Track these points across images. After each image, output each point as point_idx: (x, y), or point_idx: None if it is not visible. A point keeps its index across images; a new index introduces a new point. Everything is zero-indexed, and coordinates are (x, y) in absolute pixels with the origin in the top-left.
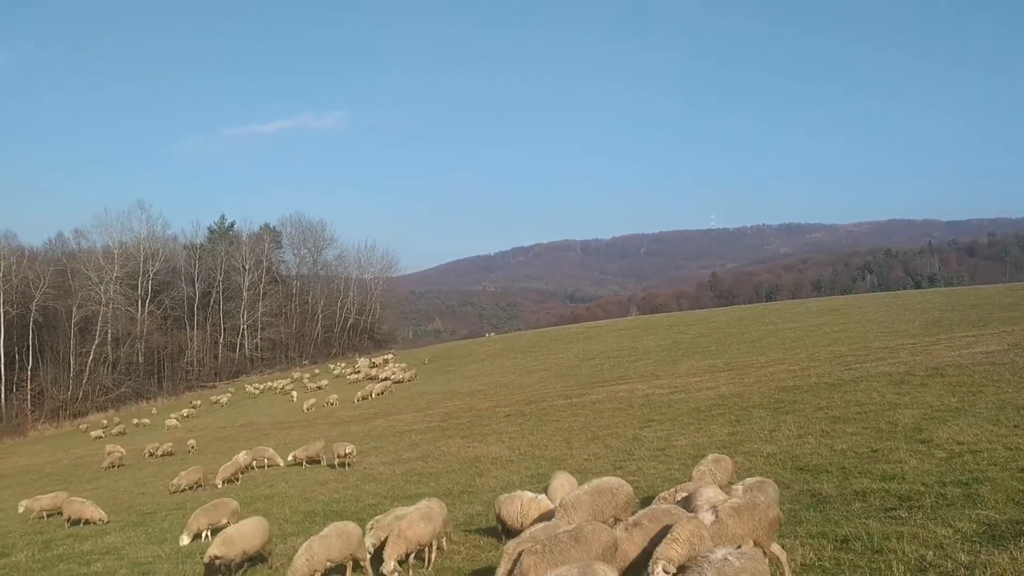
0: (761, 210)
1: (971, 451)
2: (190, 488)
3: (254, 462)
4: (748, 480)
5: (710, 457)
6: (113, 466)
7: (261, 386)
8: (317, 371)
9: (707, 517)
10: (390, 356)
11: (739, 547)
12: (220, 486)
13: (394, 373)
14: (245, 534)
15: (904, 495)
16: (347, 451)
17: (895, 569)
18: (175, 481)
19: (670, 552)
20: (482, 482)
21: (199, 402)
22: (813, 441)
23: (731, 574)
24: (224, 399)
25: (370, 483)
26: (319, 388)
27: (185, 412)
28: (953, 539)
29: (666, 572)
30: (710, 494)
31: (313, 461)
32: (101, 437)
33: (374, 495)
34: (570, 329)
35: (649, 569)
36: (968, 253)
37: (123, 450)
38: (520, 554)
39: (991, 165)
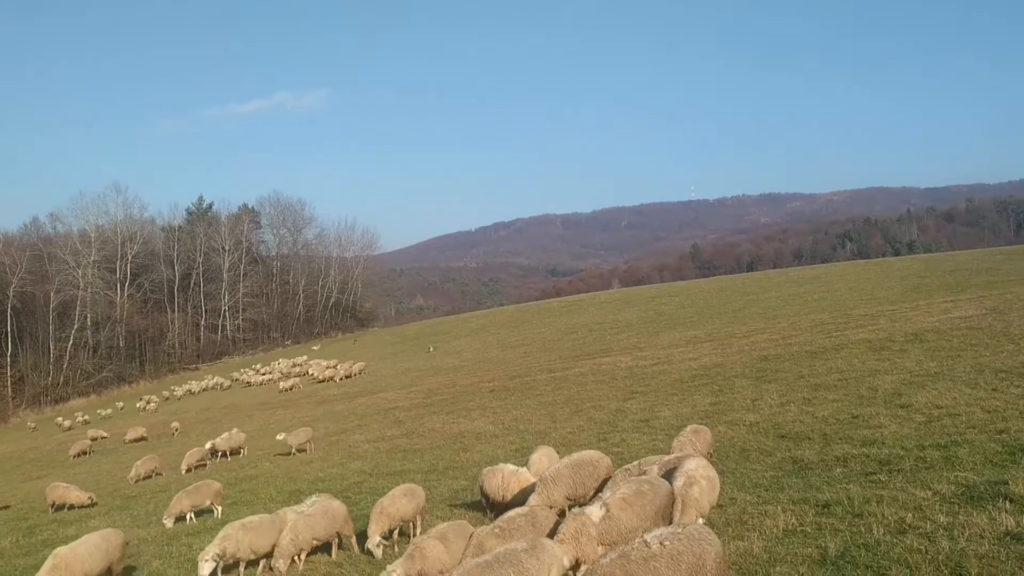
0: (741, 180)
1: (950, 415)
2: (147, 477)
3: (226, 450)
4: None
5: (689, 428)
6: (83, 453)
7: (192, 385)
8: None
9: (596, 512)
10: (313, 352)
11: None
12: (184, 472)
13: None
14: (81, 556)
15: (884, 459)
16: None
17: (875, 532)
18: (131, 473)
19: (562, 547)
20: (467, 457)
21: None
22: (795, 409)
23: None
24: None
25: (355, 461)
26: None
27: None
28: (932, 501)
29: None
30: (691, 466)
31: (301, 450)
32: (71, 429)
33: (359, 473)
34: (552, 303)
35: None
36: (946, 219)
37: (99, 434)
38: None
39: (969, 132)
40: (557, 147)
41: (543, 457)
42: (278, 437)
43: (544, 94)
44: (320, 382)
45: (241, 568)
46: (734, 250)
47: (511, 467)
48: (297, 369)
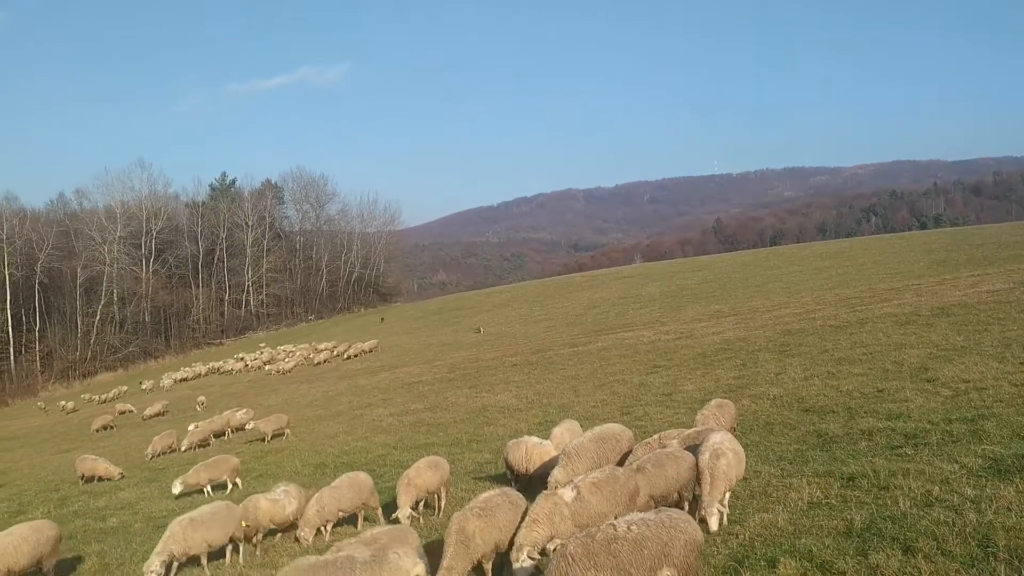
0: (764, 154)
1: (977, 388)
2: (163, 453)
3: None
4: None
5: (713, 402)
6: (105, 428)
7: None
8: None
9: (568, 494)
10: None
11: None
12: (184, 450)
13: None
14: (6, 549)
15: (910, 433)
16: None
17: (901, 504)
18: (148, 450)
19: (532, 535)
20: (490, 431)
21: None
22: (819, 383)
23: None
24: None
25: (379, 434)
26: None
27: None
28: (959, 474)
29: (531, 559)
30: (717, 439)
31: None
32: (74, 410)
33: (383, 446)
34: (575, 278)
35: (512, 556)
36: (974, 193)
37: (127, 408)
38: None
39: (997, 104)
40: (579, 122)
41: (565, 431)
42: (248, 426)
43: (567, 69)
44: (317, 364)
45: (203, 560)
46: (757, 224)
47: (535, 439)
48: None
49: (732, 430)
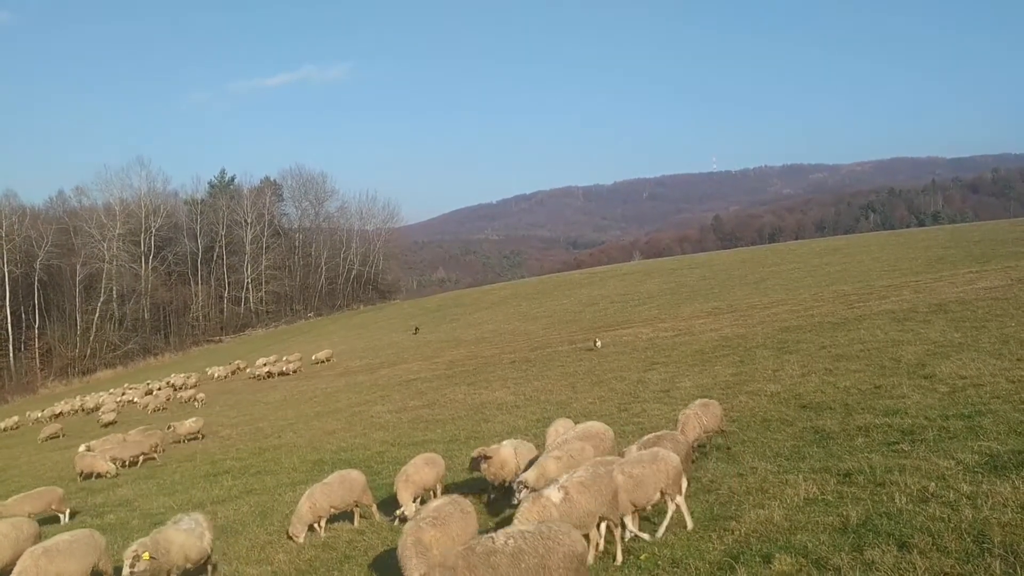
0: (763, 151)
1: (974, 385)
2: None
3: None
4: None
5: (698, 402)
6: (55, 436)
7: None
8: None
9: (555, 495)
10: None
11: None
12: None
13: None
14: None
15: (907, 429)
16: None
17: (897, 500)
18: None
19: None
20: (488, 427)
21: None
22: (816, 379)
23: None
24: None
25: (377, 431)
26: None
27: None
28: (955, 470)
29: None
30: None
31: (192, 437)
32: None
33: (381, 443)
34: (573, 275)
35: None
36: (972, 190)
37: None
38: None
39: (995, 101)
40: (579, 119)
41: (559, 428)
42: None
43: (566, 66)
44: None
45: None
46: (756, 221)
47: (508, 449)
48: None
49: (719, 430)
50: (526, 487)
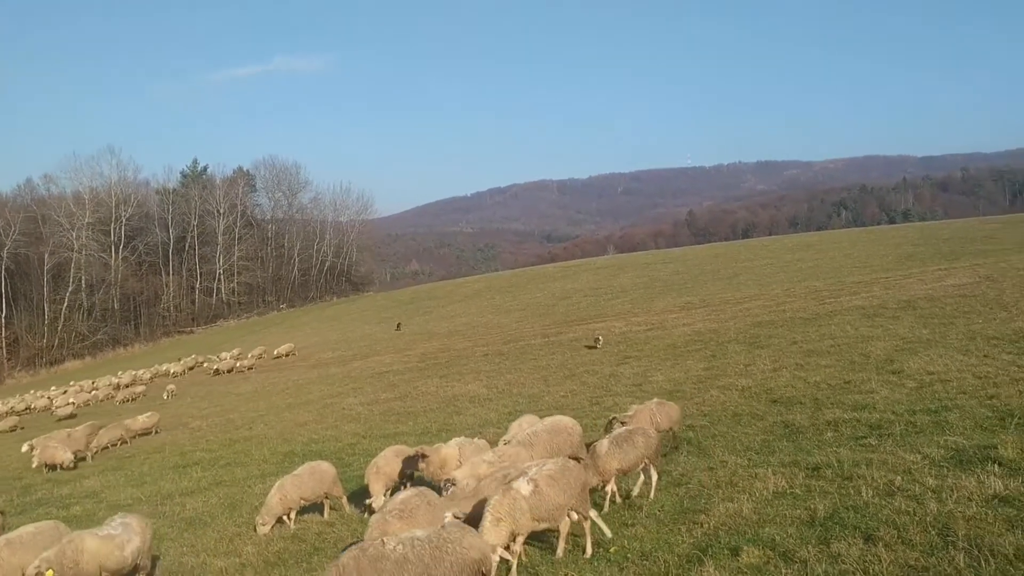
0: (737, 148)
1: (941, 380)
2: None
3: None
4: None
5: (654, 400)
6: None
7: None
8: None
9: (525, 487)
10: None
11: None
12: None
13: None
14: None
15: (875, 424)
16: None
17: (864, 494)
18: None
19: (501, 535)
20: (460, 420)
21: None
22: (787, 374)
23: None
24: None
25: (349, 423)
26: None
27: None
28: (921, 464)
29: (504, 558)
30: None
31: (146, 432)
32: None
33: (352, 435)
34: (547, 269)
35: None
36: (942, 188)
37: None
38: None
39: (965, 101)
40: (554, 113)
41: (522, 423)
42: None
43: (542, 61)
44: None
45: None
46: (730, 217)
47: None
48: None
49: (671, 431)
50: (454, 485)
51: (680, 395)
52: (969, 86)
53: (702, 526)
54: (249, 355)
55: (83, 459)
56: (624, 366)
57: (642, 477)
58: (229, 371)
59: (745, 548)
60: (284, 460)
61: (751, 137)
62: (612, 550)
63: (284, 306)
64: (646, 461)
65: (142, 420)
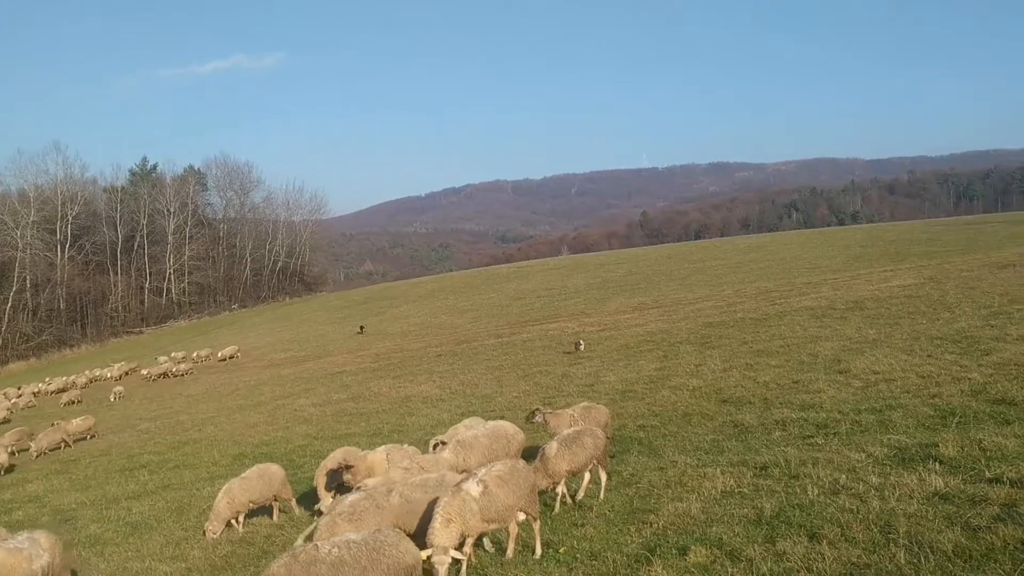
0: (691, 149)
1: (886, 380)
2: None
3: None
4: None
5: (582, 404)
6: None
7: None
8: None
9: (474, 489)
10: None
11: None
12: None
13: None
14: None
15: (822, 423)
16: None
17: (810, 492)
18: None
19: (451, 535)
20: (412, 421)
21: None
22: (737, 374)
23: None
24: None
25: (300, 424)
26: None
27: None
28: (865, 463)
29: (454, 558)
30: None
31: (81, 437)
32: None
33: (304, 436)
34: (501, 269)
35: (435, 559)
36: (888, 191)
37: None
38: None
39: (911, 105)
40: (509, 113)
41: (459, 428)
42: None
43: (496, 60)
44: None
45: None
46: (683, 218)
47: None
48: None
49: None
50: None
51: (632, 395)
52: (914, 91)
53: (651, 526)
54: (195, 355)
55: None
56: (577, 367)
57: (586, 478)
58: (161, 376)
59: (693, 547)
60: (234, 462)
61: (704, 139)
62: (562, 551)
63: (236, 306)
64: (595, 462)
65: (76, 424)
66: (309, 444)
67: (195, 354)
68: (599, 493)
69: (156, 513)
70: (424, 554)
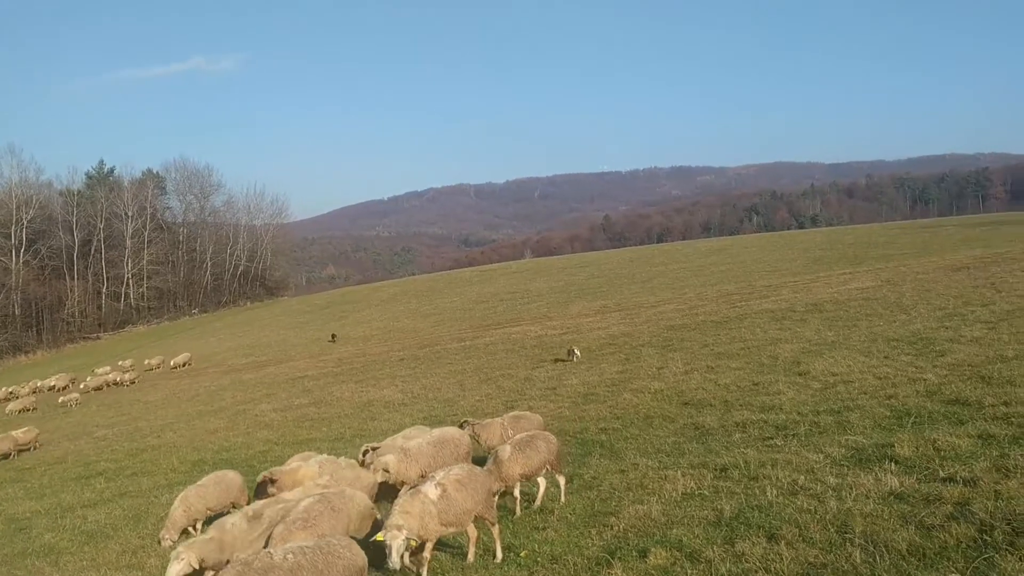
0: (653, 153)
1: (844, 381)
2: None
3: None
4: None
5: (512, 413)
6: None
7: None
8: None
9: (433, 492)
10: None
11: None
12: None
13: None
14: None
15: (781, 424)
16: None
17: (769, 493)
18: None
19: (408, 522)
20: (375, 426)
21: None
22: (699, 377)
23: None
24: None
25: (261, 430)
26: None
27: None
28: (823, 464)
29: (408, 538)
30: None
31: (23, 449)
32: None
33: (265, 442)
34: (464, 273)
35: (389, 535)
36: (847, 194)
37: None
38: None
39: (869, 110)
40: (472, 117)
41: (397, 437)
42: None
43: (458, 64)
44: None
45: None
46: (645, 222)
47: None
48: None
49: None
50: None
51: (594, 398)
52: (871, 97)
53: (612, 528)
54: (146, 363)
55: None
56: (539, 370)
57: (543, 485)
58: (97, 389)
59: (653, 550)
60: (193, 469)
61: (667, 143)
62: (523, 554)
63: (197, 311)
64: (549, 466)
65: (15, 435)
66: (270, 450)
67: (146, 362)
68: (560, 496)
69: (112, 521)
70: (378, 536)
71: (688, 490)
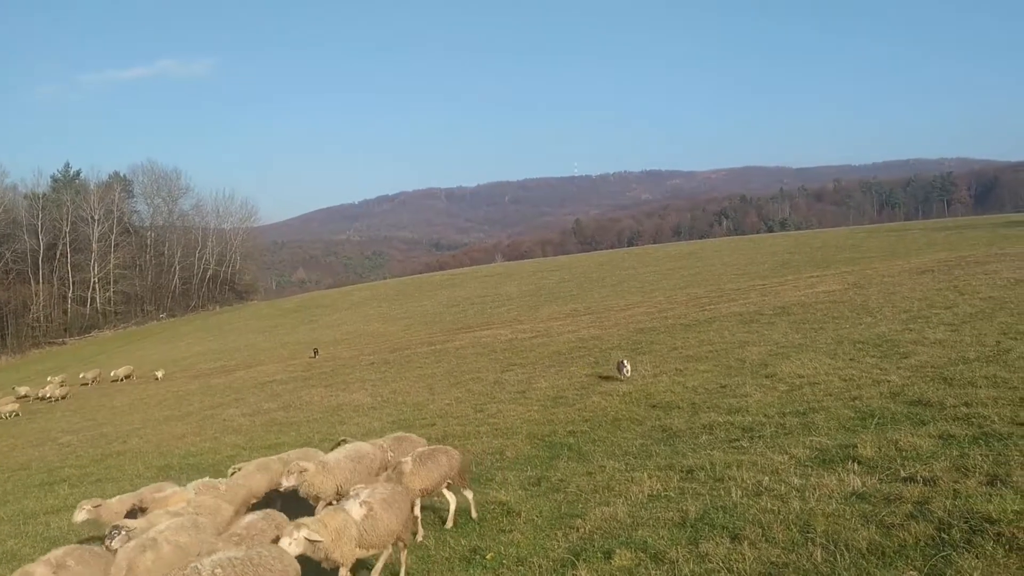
0: (623, 157)
1: (810, 383)
2: None
3: None
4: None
5: (395, 434)
6: None
7: None
8: None
9: (357, 511)
10: None
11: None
12: None
13: None
14: None
15: (747, 426)
16: None
17: (733, 495)
18: None
19: (318, 529)
20: (343, 430)
21: None
22: (667, 379)
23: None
24: None
25: (229, 435)
26: None
27: None
28: (788, 465)
29: (310, 540)
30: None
31: None
32: None
33: (233, 447)
34: (435, 277)
35: (287, 531)
36: (815, 199)
37: None
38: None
39: (837, 115)
40: (442, 120)
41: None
42: None
43: (427, 66)
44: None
45: None
46: (616, 226)
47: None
48: None
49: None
50: (120, 533)
51: (563, 401)
52: (840, 101)
53: (578, 530)
54: (80, 376)
55: None
56: (509, 373)
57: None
58: (26, 397)
59: (618, 551)
60: (159, 475)
61: (637, 147)
62: (488, 556)
63: (164, 315)
64: (451, 480)
65: None
66: (238, 455)
67: (80, 375)
68: (471, 510)
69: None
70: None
71: (654, 492)
